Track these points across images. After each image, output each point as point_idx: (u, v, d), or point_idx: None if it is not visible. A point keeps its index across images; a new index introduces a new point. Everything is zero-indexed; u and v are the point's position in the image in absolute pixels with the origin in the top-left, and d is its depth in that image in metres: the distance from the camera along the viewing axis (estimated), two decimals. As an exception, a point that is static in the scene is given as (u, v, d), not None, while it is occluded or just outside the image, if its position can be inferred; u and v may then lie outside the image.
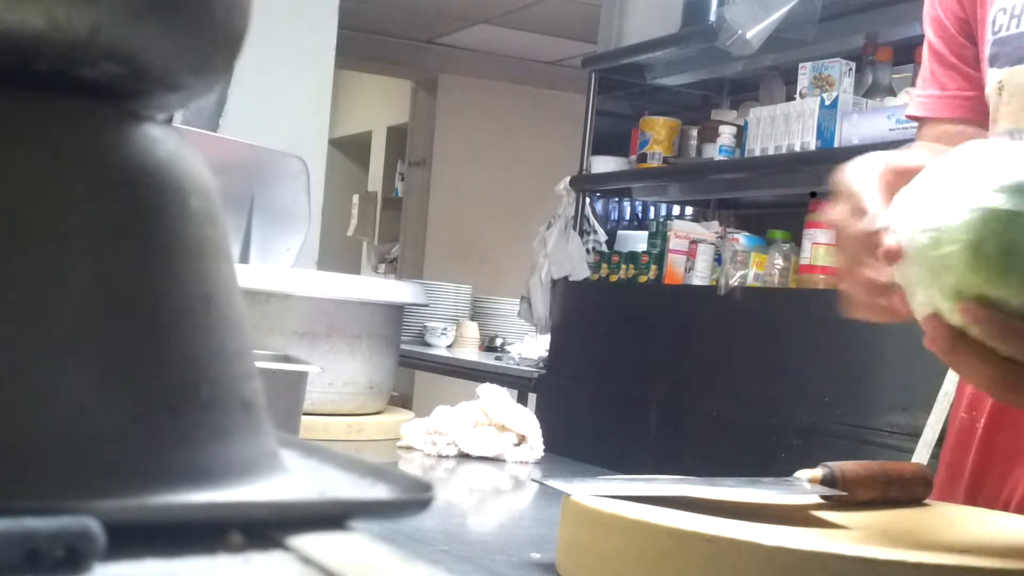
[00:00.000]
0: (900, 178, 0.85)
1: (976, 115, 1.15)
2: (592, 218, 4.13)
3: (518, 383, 3.81)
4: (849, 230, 0.84)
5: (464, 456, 1.42)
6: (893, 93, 3.18)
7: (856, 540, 0.75)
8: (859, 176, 0.85)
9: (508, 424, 1.44)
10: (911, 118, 1.26)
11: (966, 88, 1.16)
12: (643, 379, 3.33)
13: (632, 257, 3.67)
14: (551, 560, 0.86)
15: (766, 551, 0.68)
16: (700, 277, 3.36)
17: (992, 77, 1.07)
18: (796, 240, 3.33)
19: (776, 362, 2.93)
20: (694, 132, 3.88)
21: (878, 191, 0.83)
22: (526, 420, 1.46)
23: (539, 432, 1.47)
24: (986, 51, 1.09)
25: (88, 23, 0.42)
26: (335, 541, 0.41)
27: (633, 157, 3.99)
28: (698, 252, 3.40)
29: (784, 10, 3.21)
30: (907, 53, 3.15)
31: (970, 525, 0.90)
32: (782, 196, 3.73)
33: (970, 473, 1.07)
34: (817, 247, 3.20)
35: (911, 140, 3.49)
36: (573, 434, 3.11)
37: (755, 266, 3.34)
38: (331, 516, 0.43)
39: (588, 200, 4.12)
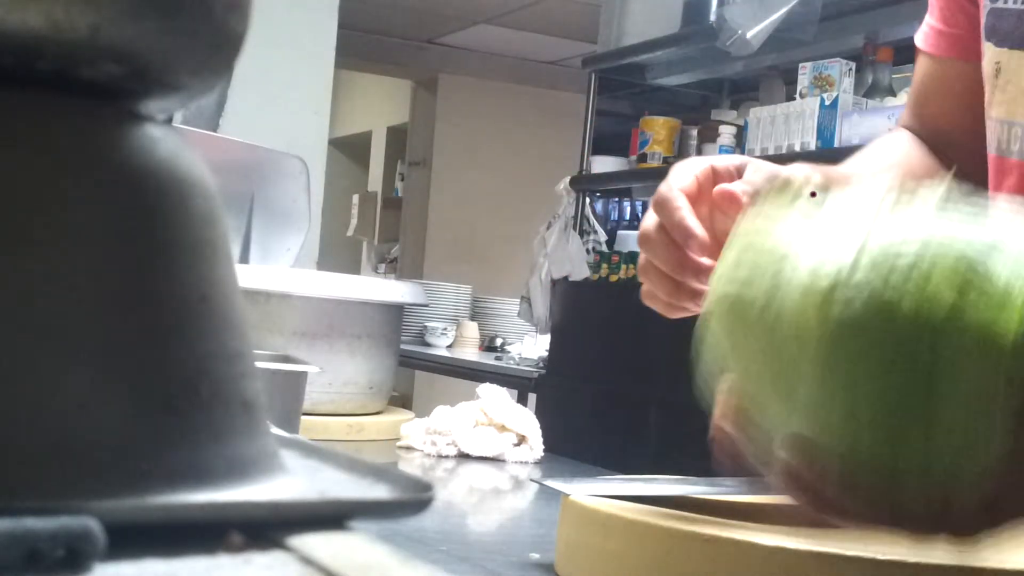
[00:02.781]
0: (718, 179, 0.85)
1: (976, 57, 1.06)
2: (592, 218, 4.14)
3: (518, 383, 3.81)
4: (655, 234, 0.84)
5: (464, 456, 1.42)
6: (893, 93, 3.18)
7: (856, 540, 0.75)
8: (675, 178, 0.85)
9: (508, 424, 1.44)
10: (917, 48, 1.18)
11: (967, 28, 1.07)
12: (643, 379, 3.33)
13: (632, 257, 3.67)
14: (550, 560, 0.86)
15: (766, 551, 0.68)
16: (700, 277, 3.35)
17: (989, 53, 1.00)
18: (796, 240, 3.32)
19: (776, 362, 2.92)
20: (694, 132, 3.89)
21: (688, 192, 0.83)
22: (526, 420, 1.47)
23: (539, 432, 1.47)
24: (983, 15, 1.01)
25: (88, 23, 0.42)
26: (335, 541, 0.41)
27: (633, 157, 3.99)
28: (698, 252, 3.39)
29: (784, 10, 3.21)
30: (907, 53, 3.14)
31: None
32: (782, 196, 3.73)
33: None
34: (817, 247, 3.19)
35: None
36: (573, 434, 3.11)
37: (755, 266, 3.33)
38: (331, 516, 0.43)
39: (588, 200, 4.12)
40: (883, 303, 0.52)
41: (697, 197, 0.83)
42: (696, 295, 0.82)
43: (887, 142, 1.12)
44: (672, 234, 0.82)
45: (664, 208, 0.82)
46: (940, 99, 1.12)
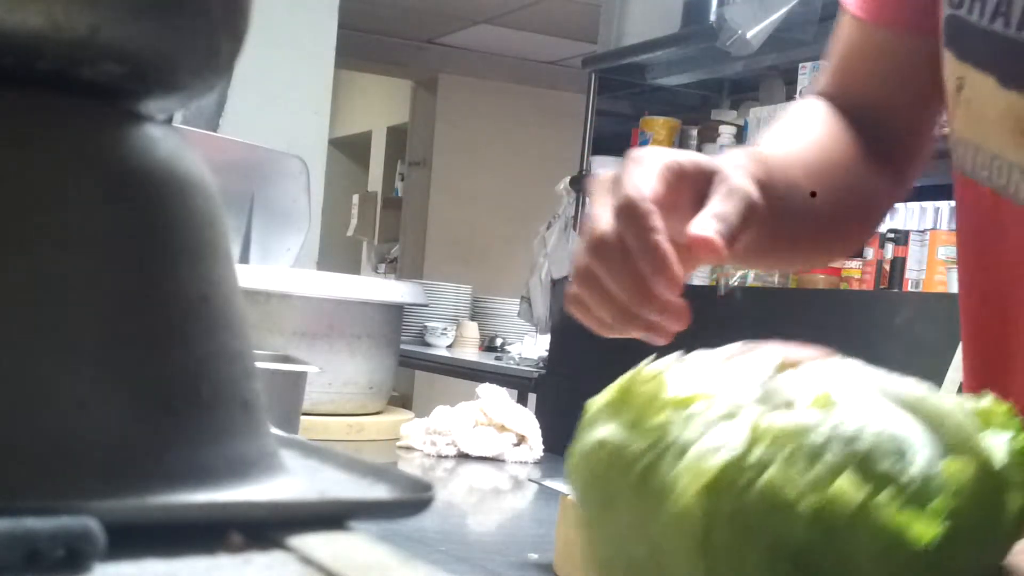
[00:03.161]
0: (684, 181, 0.72)
1: (919, 29, 0.92)
2: (592, 218, 4.13)
3: (518, 383, 3.81)
4: (615, 244, 0.69)
5: (464, 456, 1.42)
6: (893, 93, 3.18)
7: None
8: (640, 176, 0.70)
9: (508, 424, 1.44)
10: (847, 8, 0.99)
11: None
12: (643, 379, 3.32)
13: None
14: (549, 560, 0.86)
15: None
16: (700, 277, 3.36)
17: (950, 65, 0.88)
18: (796, 240, 3.32)
19: (776, 362, 2.92)
20: (694, 132, 3.89)
21: (658, 201, 0.69)
22: (525, 420, 1.47)
23: (538, 432, 1.47)
24: (941, 19, 0.89)
25: (88, 23, 0.42)
26: (335, 541, 0.41)
27: (633, 157, 3.99)
28: (698, 252, 3.40)
29: (784, 10, 3.21)
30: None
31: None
32: (782, 196, 3.74)
33: None
34: (817, 247, 3.20)
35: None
36: (573, 434, 3.10)
37: (755, 266, 3.34)
38: (331, 516, 0.43)
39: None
40: (780, 499, 0.45)
41: (661, 201, 0.69)
42: (649, 327, 0.73)
43: (804, 118, 0.96)
44: (637, 259, 0.68)
45: (633, 220, 0.68)
46: (867, 71, 0.98)
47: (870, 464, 0.46)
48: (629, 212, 0.68)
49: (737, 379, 0.51)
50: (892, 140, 0.97)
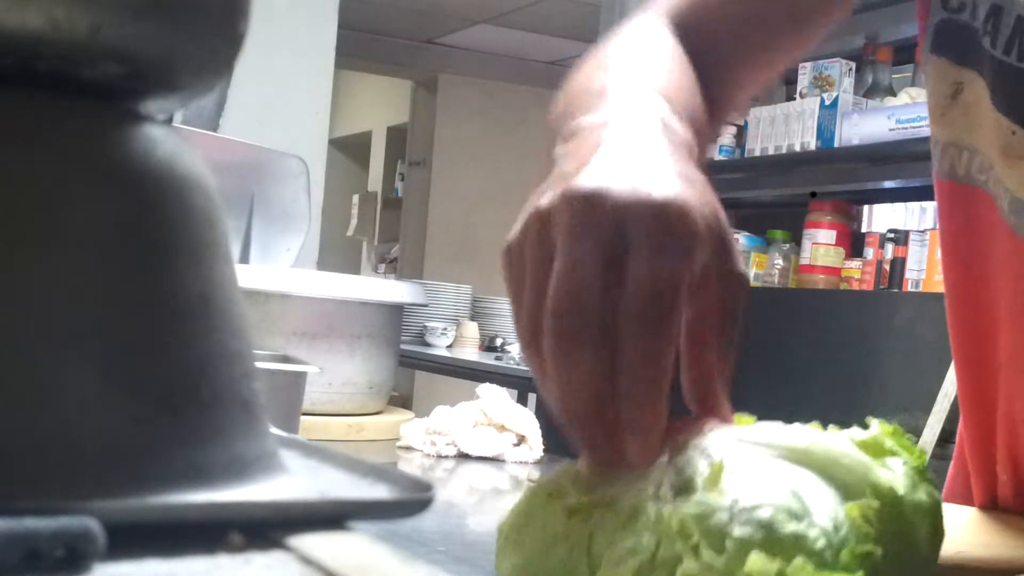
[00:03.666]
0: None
1: None
2: (592, 218, 4.13)
3: (518, 383, 3.81)
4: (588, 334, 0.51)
5: (463, 456, 1.42)
6: (893, 93, 3.18)
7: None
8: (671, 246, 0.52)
9: (507, 424, 1.44)
10: None
11: None
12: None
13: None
14: (551, 560, 0.86)
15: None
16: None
17: (944, 71, 0.83)
18: (796, 240, 3.33)
19: (776, 362, 2.93)
20: (694, 132, 3.89)
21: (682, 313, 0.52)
22: (525, 420, 1.47)
23: (538, 432, 1.47)
24: (928, 21, 0.84)
25: (88, 23, 0.42)
26: (335, 541, 0.41)
27: (633, 157, 3.99)
28: (698, 252, 3.39)
29: (784, 10, 3.21)
30: (907, 53, 3.15)
31: (968, 524, 0.90)
32: (782, 196, 3.74)
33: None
34: (817, 247, 3.20)
35: (911, 140, 3.41)
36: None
37: (755, 266, 3.34)
38: (331, 516, 0.43)
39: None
40: None
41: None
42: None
43: (663, 51, 0.79)
44: (622, 400, 0.51)
45: (653, 325, 0.50)
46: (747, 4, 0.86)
47: (777, 531, 0.45)
48: (655, 302, 0.50)
49: (630, 474, 0.51)
50: (714, 99, 0.83)
